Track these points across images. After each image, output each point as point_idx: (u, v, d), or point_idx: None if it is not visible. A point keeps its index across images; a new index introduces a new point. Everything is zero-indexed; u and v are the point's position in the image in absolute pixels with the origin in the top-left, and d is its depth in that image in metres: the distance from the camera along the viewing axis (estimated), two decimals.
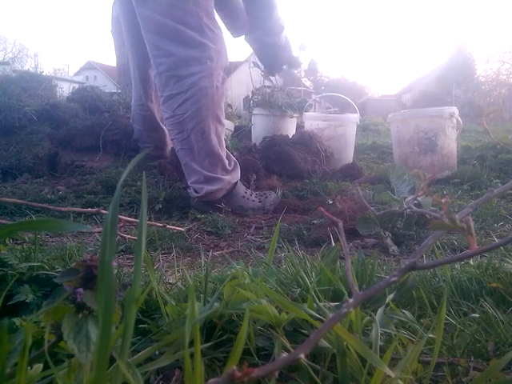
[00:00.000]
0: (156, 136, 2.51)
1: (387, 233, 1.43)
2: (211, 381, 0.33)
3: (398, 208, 1.46)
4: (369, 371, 0.50)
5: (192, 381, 0.42)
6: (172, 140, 1.97)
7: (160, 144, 2.52)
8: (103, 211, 1.52)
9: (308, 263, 0.83)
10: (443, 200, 0.57)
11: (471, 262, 0.95)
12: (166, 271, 1.08)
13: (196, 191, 1.90)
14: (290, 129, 3.53)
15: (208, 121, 1.83)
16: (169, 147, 2.55)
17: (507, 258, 1.00)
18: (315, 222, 1.62)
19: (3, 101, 2.70)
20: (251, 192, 2.05)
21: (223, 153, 1.93)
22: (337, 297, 0.73)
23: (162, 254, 1.33)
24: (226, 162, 1.93)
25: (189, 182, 1.94)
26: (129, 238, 1.39)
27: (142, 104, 2.41)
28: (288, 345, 0.56)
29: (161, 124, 2.48)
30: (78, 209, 1.74)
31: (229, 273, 0.76)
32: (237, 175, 1.98)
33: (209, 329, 0.62)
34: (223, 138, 1.96)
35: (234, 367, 0.32)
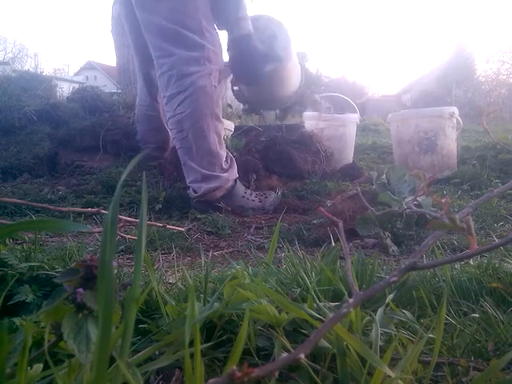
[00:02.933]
0: (159, 137, 2.52)
1: (387, 233, 1.43)
2: (211, 381, 0.33)
3: (397, 208, 1.46)
4: (369, 371, 0.50)
5: (192, 381, 0.42)
6: (173, 139, 1.98)
7: (162, 145, 2.53)
8: (103, 211, 1.52)
9: (308, 263, 0.83)
10: (443, 200, 0.56)
11: (471, 262, 0.95)
12: (166, 271, 1.08)
13: (195, 191, 1.91)
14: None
15: (207, 119, 1.85)
16: (170, 148, 2.56)
17: (507, 257, 1.00)
18: (315, 221, 1.62)
19: (3, 101, 2.70)
20: (251, 192, 2.05)
21: (222, 151, 1.94)
22: (337, 297, 0.73)
23: (162, 253, 1.33)
24: (224, 160, 1.94)
25: (187, 182, 1.95)
26: (129, 238, 1.39)
27: (148, 104, 2.43)
28: (288, 345, 0.56)
29: (165, 125, 2.49)
30: (78, 209, 1.74)
31: (229, 273, 0.76)
32: (234, 172, 1.99)
33: (209, 329, 0.62)
34: (223, 135, 1.97)
35: (234, 367, 0.32)
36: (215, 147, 1.89)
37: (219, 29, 1.98)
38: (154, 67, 2.20)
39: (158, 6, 1.78)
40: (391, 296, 0.66)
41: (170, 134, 1.99)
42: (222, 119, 1.96)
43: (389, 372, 0.47)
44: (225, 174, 1.91)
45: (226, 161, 1.97)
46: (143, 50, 2.19)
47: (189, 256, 1.34)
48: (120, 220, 1.51)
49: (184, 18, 1.79)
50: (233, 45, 1.96)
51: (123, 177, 0.39)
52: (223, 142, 1.97)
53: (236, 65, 2.03)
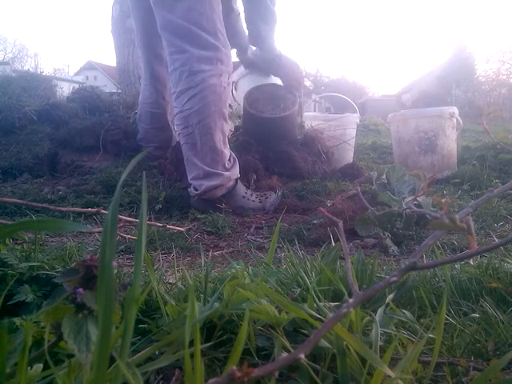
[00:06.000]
0: (162, 136, 2.52)
1: (386, 233, 1.43)
2: (211, 381, 0.33)
3: (397, 208, 1.46)
4: (369, 371, 0.50)
5: (192, 381, 0.42)
6: (178, 135, 1.99)
7: (164, 144, 2.53)
8: (103, 211, 1.52)
9: (308, 263, 0.83)
10: (443, 200, 0.56)
11: (471, 262, 0.95)
12: (166, 271, 1.07)
13: (195, 188, 1.91)
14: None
15: (214, 117, 1.86)
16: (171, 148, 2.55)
17: (507, 257, 1.00)
18: (315, 221, 1.62)
19: (3, 101, 2.70)
20: (251, 192, 2.05)
21: (226, 150, 1.95)
22: (337, 297, 0.73)
23: (162, 254, 1.33)
24: (227, 159, 1.95)
25: (189, 178, 1.95)
26: (129, 238, 1.39)
27: (153, 102, 2.43)
28: (288, 345, 0.56)
29: (170, 124, 2.50)
30: (78, 209, 1.74)
31: (229, 273, 0.76)
32: (236, 171, 1.99)
33: (209, 329, 0.62)
34: (228, 135, 1.98)
35: (234, 367, 0.32)
36: (220, 145, 1.89)
37: (252, 44, 2.47)
38: (161, 64, 2.26)
39: (176, 4, 1.81)
40: (391, 296, 0.66)
41: (176, 129, 2.00)
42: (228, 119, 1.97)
43: (389, 372, 0.47)
44: (227, 173, 1.92)
45: (229, 160, 1.97)
46: (151, 47, 2.24)
47: (189, 256, 1.34)
48: (120, 220, 1.51)
49: (200, 18, 1.81)
50: (267, 61, 2.45)
51: (123, 177, 0.39)
52: (227, 141, 1.97)
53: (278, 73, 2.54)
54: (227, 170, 1.93)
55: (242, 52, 2.57)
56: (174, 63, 1.87)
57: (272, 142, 2.58)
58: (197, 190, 1.90)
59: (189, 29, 1.81)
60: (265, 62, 2.49)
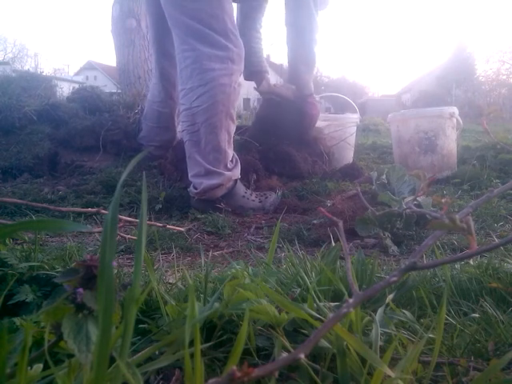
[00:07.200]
0: (165, 136, 2.52)
1: (386, 233, 1.43)
2: (211, 381, 0.33)
3: (397, 208, 1.46)
4: (369, 371, 0.50)
5: (192, 381, 0.42)
6: (183, 131, 1.99)
7: (165, 144, 2.53)
8: (103, 211, 1.52)
9: (308, 263, 0.83)
10: (443, 200, 0.57)
11: (471, 262, 0.95)
12: (166, 271, 1.07)
13: (195, 187, 1.91)
14: None
15: (221, 116, 1.86)
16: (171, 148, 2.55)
17: (507, 257, 1.00)
18: (315, 221, 1.62)
19: (3, 101, 2.70)
20: (251, 192, 2.05)
21: (230, 151, 1.95)
22: (337, 297, 0.73)
23: (162, 254, 1.33)
24: (230, 160, 1.95)
25: (190, 175, 1.95)
26: (129, 238, 1.39)
27: (161, 101, 2.44)
28: (288, 345, 0.56)
29: (175, 124, 2.50)
30: (78, 209, 1.74)
31: (229, 273, 0.76)
32: (237, 172, 1.99)
33: (209, 329, 0.62)
34: (233, 136, 1.98)
35: (234, 367, 0.32)
36: (224, 145, 1.89)
37: (289, 81, 2.64)
38: (171, 63, 2.27)
39: (186, 5, 1.81)
40: (391, 296, 0.66)
41: (181, 125, 2.00)
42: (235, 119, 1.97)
43: (389, 372, 0.47)
44: (228, 173, 1.92)
45: (232, 161, 1.97)
46: (162, 44, 2.26)
47: (189, 256, 1.34)
48: (120, 220, 1.51)
49: (211, 19, 1.81)
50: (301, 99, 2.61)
51: (123, 177, 0.39)
52: (232, 142, 1.97)
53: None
54: (228, 170, 1.93)
55: (258, 79, 2.59)
56: (186, 61, 1.87)
57: (291, 134, 2.65)
58: (196, 189, 1.90)
59: (199, 29, 1.81)
60: (297, 98, 2.58)
